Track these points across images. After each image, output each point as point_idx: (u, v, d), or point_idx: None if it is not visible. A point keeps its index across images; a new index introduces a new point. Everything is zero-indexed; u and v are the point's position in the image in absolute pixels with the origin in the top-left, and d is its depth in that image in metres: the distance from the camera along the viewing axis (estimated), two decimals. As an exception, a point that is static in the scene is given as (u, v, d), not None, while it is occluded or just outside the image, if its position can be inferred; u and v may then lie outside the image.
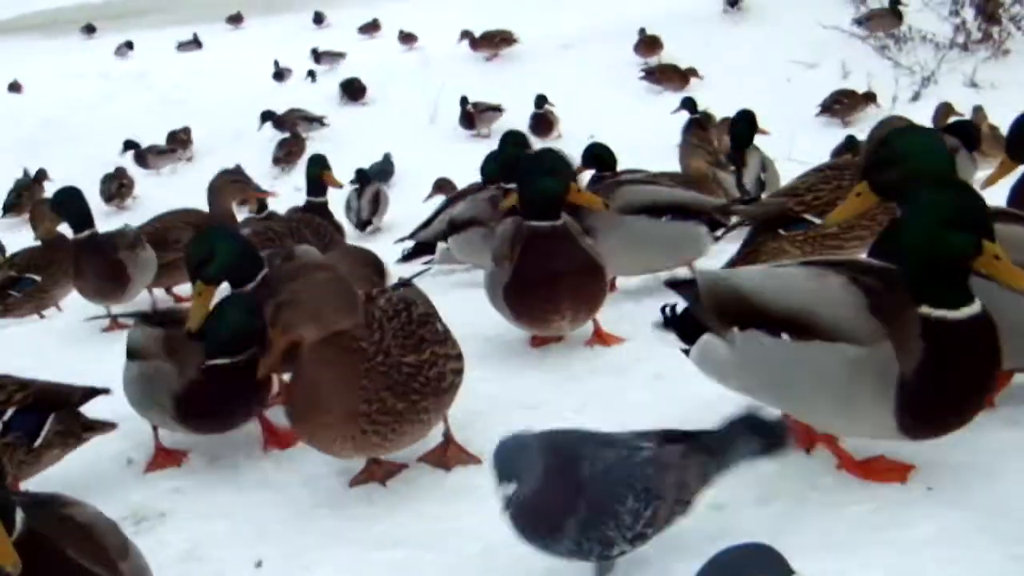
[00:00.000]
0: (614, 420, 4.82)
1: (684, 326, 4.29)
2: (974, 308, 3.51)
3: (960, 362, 3.51)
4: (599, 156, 8.90)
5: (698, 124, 12.47)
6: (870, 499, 3.89)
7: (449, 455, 4.64)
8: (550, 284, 5.39)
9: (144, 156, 18.85)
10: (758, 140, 9.62)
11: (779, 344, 3.82)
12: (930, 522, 3.70)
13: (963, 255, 3.49)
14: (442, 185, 12.89)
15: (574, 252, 5.48)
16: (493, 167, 8.20)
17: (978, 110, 11.26)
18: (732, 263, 6.49)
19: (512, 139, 8.18)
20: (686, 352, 4.30)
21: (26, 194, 16.44)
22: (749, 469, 4.17)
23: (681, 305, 4.35)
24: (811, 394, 3.81)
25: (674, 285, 4.37)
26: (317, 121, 19.56)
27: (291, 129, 18.88)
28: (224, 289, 5.33)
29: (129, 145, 18.98)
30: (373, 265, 6.21)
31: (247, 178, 8.90)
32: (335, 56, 25.67)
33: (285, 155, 17.89)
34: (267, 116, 19.50)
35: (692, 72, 18.63)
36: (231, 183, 8.42)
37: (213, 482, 4.77)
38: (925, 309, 3.52)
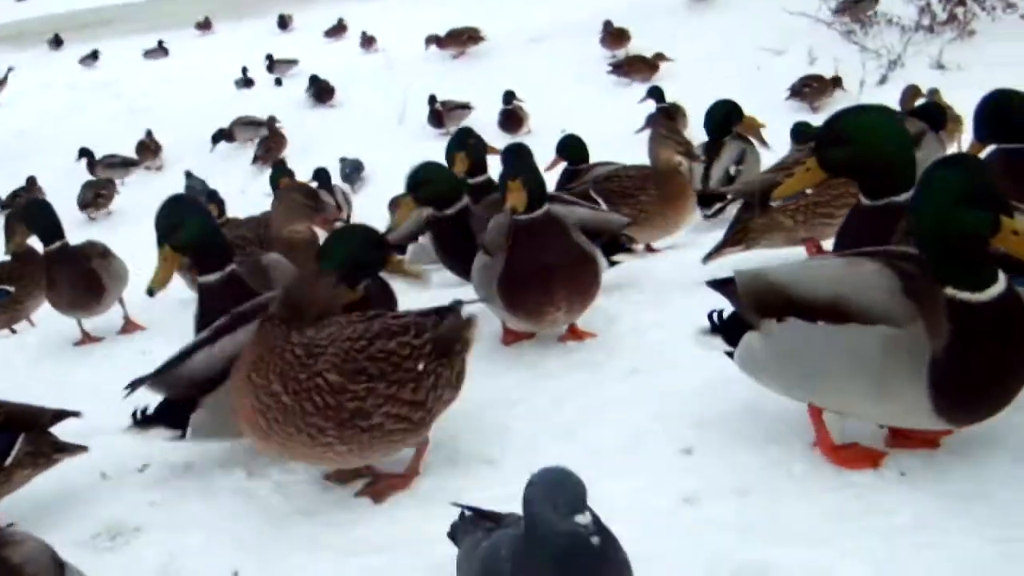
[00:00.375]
0: (591, 416, 4.85)
1: (729, 330, 4.30)
2: (998, 288, 3.49)
3: (986, 344, 3.49)
4: (572, 148, 8.90)
5: (665, 114, 12.43)
6: (845, 487, 3.90)
7: (382, 486, 4.54)
8: (543, 276, 5.37)
9: (94, 166, 18.61)
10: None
11: (816, 330, 3.82)
12: (906, 508, 3.72)
13: (978, 233, 3.46)
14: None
15: (565, 243, 5.45)
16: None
17: (934, 92, 11.28)
18: (721, 245, 6.50)
19: (466, 135, 8.12)
20: (730, 355, 4.29)
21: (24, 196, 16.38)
22: (723, 460, 4.20)
23: (728, 311, 4.36)
24: (847, 378, 3.79)
25: (716, 285, 4.35)
26: (264, 125, 19.32)
27: (269, 126, 18.70)
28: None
29: (83, 153, 18.76)
30: (307, 195, 6.84)
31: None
32: (288, 63, 25.50)
33: (265, 153, 17.79)
34: (217, 137, 19.31)
35: (660, 57, 18.58)
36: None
37: (187, 494, 4.73)
38: (949, 291, 3.50)
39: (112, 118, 22.33)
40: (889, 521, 3.66)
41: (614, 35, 20.56)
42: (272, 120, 18.84)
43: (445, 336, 4.48)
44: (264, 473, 4.78)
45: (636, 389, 5.11)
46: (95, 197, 16.46)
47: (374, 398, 4.17)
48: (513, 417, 4.95)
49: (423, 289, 5.89)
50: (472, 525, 3.41)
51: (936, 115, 8.08)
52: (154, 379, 4.86)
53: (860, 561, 3.46)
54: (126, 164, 18.77)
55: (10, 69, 27.66)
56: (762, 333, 4.05)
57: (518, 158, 5.71)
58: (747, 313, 4.15)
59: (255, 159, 17.78)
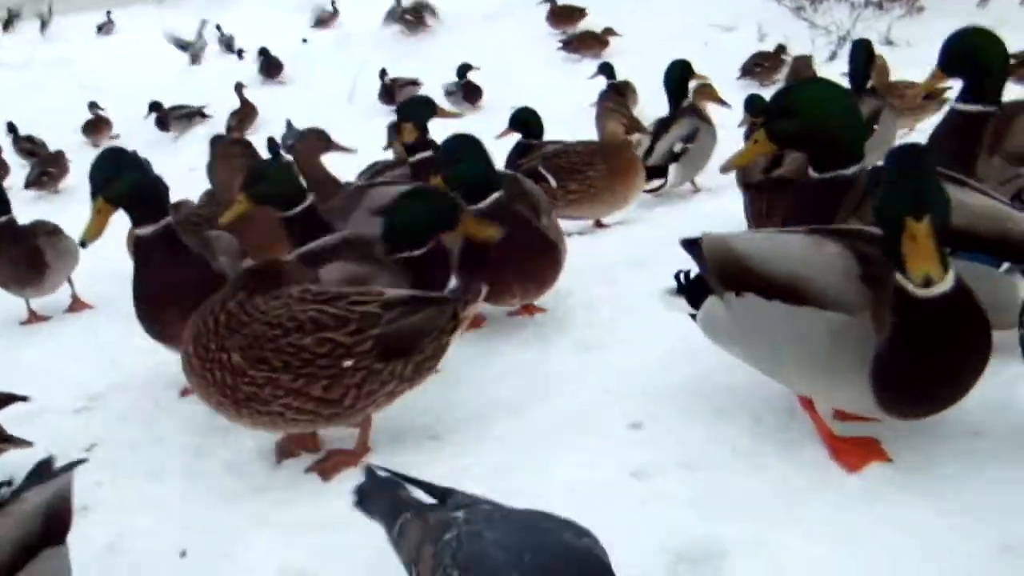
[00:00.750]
0: (540, 391, 4.85)
1: (692, 292, 4.28)
2: (943, 287, 3.33)
3: (926, 343, 3.39)
4: (526, 122, 8.79)
5: (615, 90, 12.42)
6: (793, 461, 3.91)
7: (331, 463, 4.53)
8: (496, 264, 5.35)
9: (18, 142, 18.10)
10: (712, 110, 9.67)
11: (772, 308, 3.79)
12: (854, 482, 3.74)
13: (892, 229, 3.32)
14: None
15: (519, 231, 5.42)
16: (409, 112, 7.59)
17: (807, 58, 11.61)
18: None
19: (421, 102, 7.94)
20: (694, 318, 4.28)
21: None
22: (673, 434, 4.21)
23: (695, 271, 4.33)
24: (799, 361, 3.79)
25: (686, 245, 4.29)
26: (198, 114, 18.91)
27: (239, 94, 18.36)
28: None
29: (10, 128, 18.25)
30: (245, 148, 7.07)
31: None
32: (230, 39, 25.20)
33: (238, 123, 17.58)
34: (153, 107, 18.90)
35: (609, 31, 18.53)
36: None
37: (134, 474, 4.70)
38: (899, 277, 3.37)
39: (66, 95, 21.95)
40: (838, 495, 3.68)
41: (558, 13, 20.54)
42: (240, 86, 18.60)
43: (407, 331, 4.31)
44: (213, 452, 4.76)
45: (585, 364, 5.11)
46: (40, 175, 16.05)
47: (273, 388, 4.12)
48: (461, 392, 4.94)
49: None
50: (399, 496, 3.24)
51: (858, 56, 8.14)
52: None
53: (811, 535, 3.47)
54: (32, 153, 17.97)
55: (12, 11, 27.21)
56: (723, 302, 4.05)
57: (457, 151, 5.56)
58: (710, 278, 4.13)
59: (228, 130, 17.47)
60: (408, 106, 7.71)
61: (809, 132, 4.37)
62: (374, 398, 4.29)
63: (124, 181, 5.20)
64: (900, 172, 3.35)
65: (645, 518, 3.63)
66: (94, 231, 5.23)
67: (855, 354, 3.53)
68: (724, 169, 5.20)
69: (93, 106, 19.01)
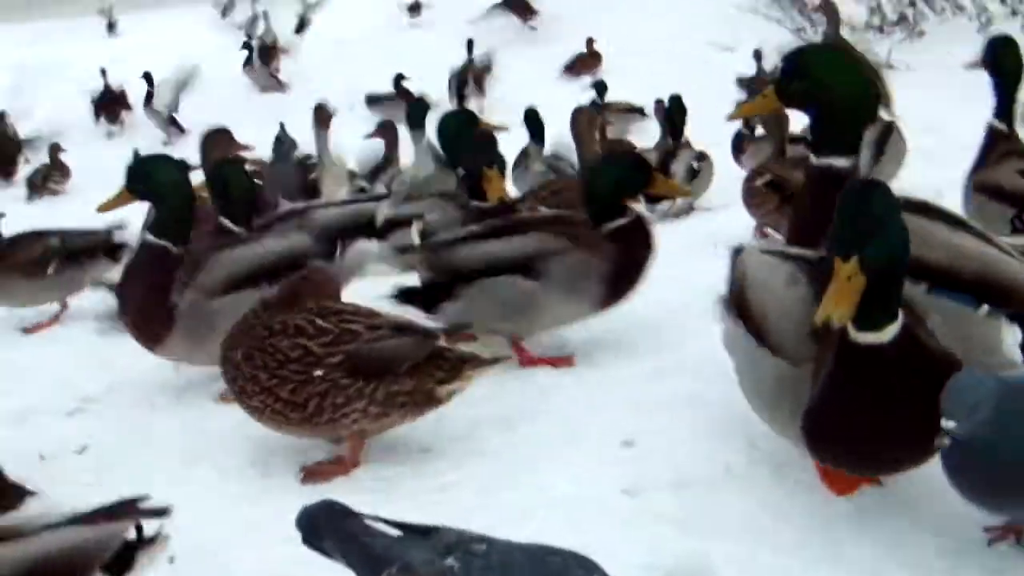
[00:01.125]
0: (529, 405, 4.85)
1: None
2: (880, 336, 3.24)
3: (853, 391, 3.31)
4: (533, 120, 9.24)
5: (595, 106, 12.55)
6: (783, 481, 3.93)
7: (320, 469, 4.56)
8: None
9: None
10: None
11: (748, 342, 3.82)
12: (845, 504, 3.75)
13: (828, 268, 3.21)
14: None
15: None
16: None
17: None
18: None
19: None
20: None
21: None
22: (663, 452, 4.21)
23: None
24: (755, 399, 3.84)
25: (734, 254, 4.28)
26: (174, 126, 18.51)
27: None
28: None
29: None
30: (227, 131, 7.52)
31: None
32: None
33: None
34: (145, 77, 18.89)
35: (591, 41, 18.51)
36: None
37: (125, 477, 4.67)
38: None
39: (70, 97, 21.84)
40: (829, 518, 3.69)
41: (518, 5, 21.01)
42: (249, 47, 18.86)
43: (378, 353, 4.32)
44: (205, 457, 4.74)
45: (576, 379, 5.12)
46: (44, 180, 15.70)
47: (254, 384, 4.38)
48: (452, 406, 4.90)
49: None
50: (372, 544, 2.82)
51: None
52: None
53: (800, 557, 3.48)
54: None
55: None
56: (731, 320, 4.06)
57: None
58: (727, 294, 4.15)
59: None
60: (450, 125, 7.07)
61: (815, 96, 4.30)
62: (343, 412, 4.33)
63: (150, 179, 5.41)
64: (843, 208, 3.24)
65: (635, 535, 3.63)
66: (109, 206, 5.60)
67: (793, 404, 3.50)
68: (730, 117, 5.18)
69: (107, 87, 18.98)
